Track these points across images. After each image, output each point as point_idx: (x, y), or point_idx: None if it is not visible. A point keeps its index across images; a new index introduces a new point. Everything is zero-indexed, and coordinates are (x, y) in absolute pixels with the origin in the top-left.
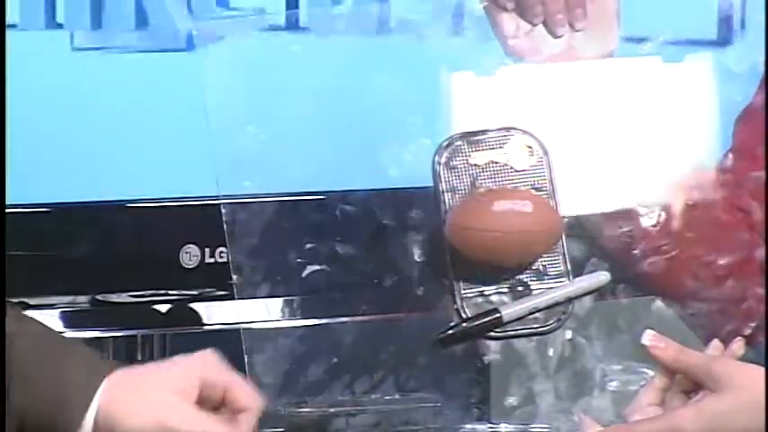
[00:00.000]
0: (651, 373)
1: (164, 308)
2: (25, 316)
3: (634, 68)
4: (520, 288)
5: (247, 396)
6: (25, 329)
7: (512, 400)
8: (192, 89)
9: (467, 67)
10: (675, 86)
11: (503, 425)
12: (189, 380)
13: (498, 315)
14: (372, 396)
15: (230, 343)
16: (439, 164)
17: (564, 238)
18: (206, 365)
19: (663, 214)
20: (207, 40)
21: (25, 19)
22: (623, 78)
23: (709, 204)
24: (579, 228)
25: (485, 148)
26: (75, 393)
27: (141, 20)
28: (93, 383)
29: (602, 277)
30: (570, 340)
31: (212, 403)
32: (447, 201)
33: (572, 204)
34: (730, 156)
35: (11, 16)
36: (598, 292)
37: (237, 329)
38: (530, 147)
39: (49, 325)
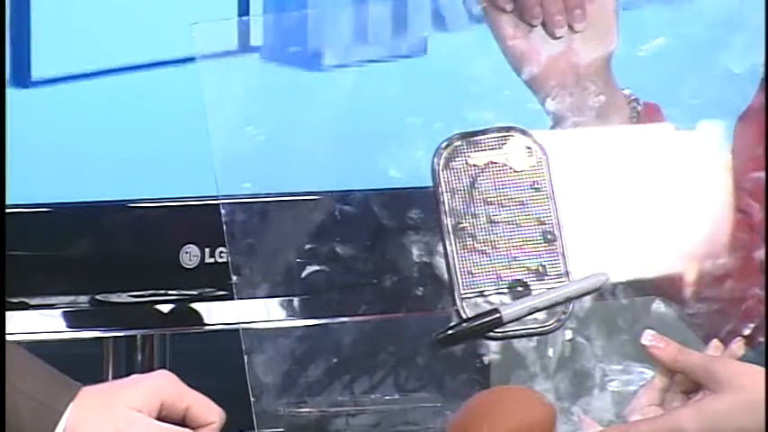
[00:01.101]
0: (651, 373)
1: (164, 308)
2: None
3: (645, 136)
4: (520, 288)
5: (209, 411)
6: None
7: None
8: (191, 89)
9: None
10: (687, 153)
11: None
12: (150, 398)
13: (498, 315)
14: (372, 396)
15: (230, 343)
16: (438, 164)
17: (563, 237)
18: (165, 384)
19: None
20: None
21: None
22: (634, 145)
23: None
24: None
25: (484, 148)
26: (41, 416)
27: None
28: (60, 407)
29: (602, 277)
30: (570, 340)
31: (173, 422)
32: (446, 201)
33: (581, 271)
34: (730, 156)
35: None
36: (598, 293)
37: (237, 329)
38: (529, 147)
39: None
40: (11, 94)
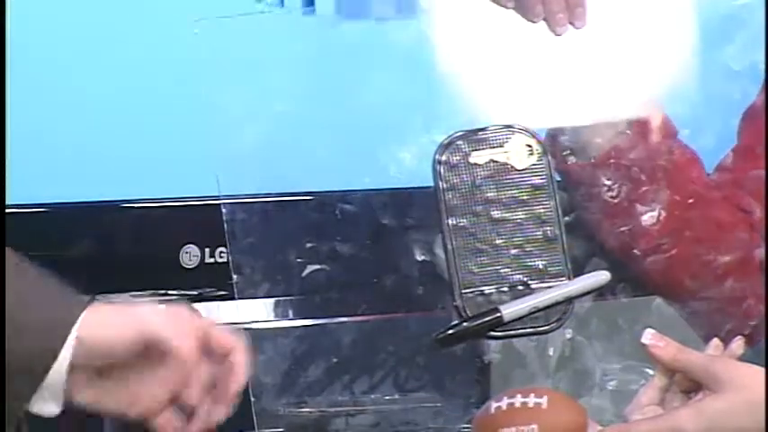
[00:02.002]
0: (651, 372)
1: None
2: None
3: None
4: (520, 287)
5: (229, 336)
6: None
7: None
8: (192, 88)
9: None
10: None
11: None
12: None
13: (498, 314)
14: (372, 396)
15: None
16: (439, 163)
17: (564, 237)
18: (183, 308)
19: (662, 212)
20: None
21: None
22: None
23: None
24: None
25: (485, 146)
26: (50, 327)
27: None
28: (71, 317)
29: (602, 276)
30: (570, 339)
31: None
32: (447, 200)
33: (549, 118)
34: (731, 155)
35: None
36: (598, 292)
37: (237, 329)
38: (530, 146)
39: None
40: None
